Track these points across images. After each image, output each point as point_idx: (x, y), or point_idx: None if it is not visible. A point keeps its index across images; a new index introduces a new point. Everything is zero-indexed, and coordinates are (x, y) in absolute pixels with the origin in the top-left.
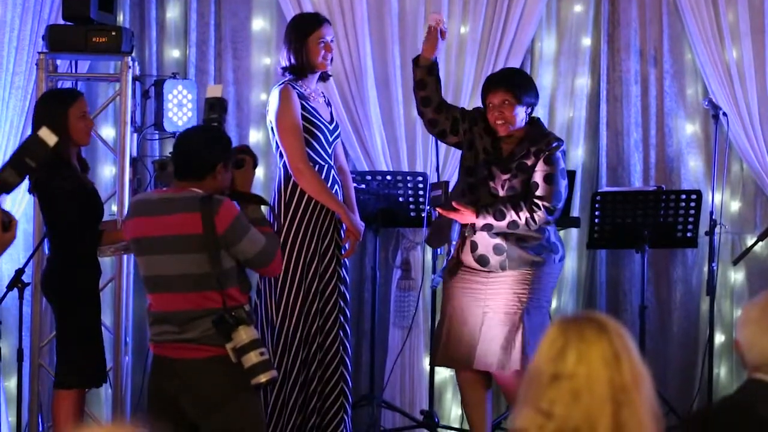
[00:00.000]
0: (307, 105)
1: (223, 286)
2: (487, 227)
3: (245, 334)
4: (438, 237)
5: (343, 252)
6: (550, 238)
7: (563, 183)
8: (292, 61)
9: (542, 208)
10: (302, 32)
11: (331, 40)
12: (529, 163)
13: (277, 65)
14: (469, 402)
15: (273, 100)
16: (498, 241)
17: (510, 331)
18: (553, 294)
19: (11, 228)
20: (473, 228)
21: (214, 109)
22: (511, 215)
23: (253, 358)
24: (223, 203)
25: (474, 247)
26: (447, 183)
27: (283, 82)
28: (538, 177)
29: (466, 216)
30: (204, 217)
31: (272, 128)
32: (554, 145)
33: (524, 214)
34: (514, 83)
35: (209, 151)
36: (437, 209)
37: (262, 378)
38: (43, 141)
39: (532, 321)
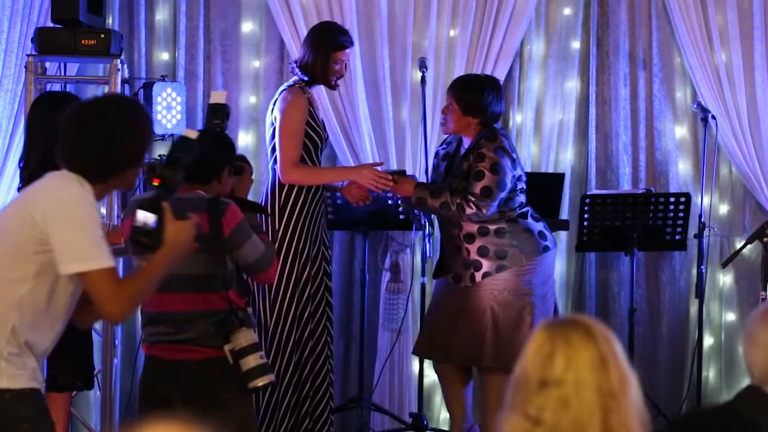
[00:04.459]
0: (315, 114)
1: (227, 288)
2: (422, 201)
3: (244, 337)
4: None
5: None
6: (514, 242)
7: (495, 178)
8: (310, 67)
9: (470, 203)
10: (330, 46)
11: (347, 62)
12: (465, 167)
13: (291, 62)
14: (447, 392)
15: (283, 99)
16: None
17: (483, 327)
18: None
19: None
20: (409, 200)
21: (217, 114)
22: (446, 197)
23: (251, 361)
24: (230, 206)
25: (448, 269)
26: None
27: (295, 84)
28: (471, 174)
29: (405, 186)
30: (211, 218)
31: (274, 126)
32: (483, 146)
33: (456, 200)
34: (461, 92)
35: (219, 156)
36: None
37: (260, 382)
38: None
39: (508, 316)
